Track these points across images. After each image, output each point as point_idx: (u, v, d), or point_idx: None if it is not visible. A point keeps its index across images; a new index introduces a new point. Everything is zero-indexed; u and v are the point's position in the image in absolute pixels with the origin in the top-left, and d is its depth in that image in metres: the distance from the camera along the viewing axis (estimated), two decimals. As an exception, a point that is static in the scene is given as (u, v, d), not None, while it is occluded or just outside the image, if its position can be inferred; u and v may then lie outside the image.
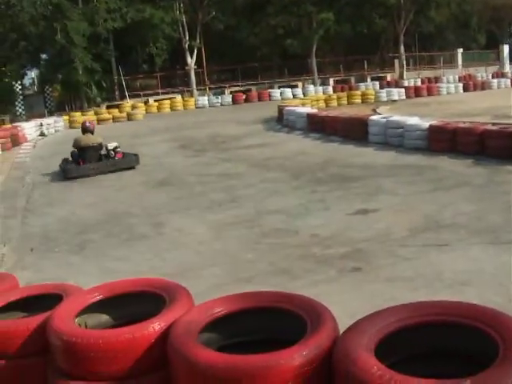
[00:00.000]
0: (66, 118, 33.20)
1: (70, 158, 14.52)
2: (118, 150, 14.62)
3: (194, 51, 44.42)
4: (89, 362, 2.87)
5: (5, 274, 4.53)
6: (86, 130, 14.77)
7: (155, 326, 2.93)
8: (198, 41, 44.38)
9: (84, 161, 14.17)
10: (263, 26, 47.05)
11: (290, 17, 45.98)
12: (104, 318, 3.59)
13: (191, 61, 44.47)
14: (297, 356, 2.47)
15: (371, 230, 7.53)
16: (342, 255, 6.61)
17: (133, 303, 3.55)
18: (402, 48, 46.77)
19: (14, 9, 38.96)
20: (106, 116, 34.05)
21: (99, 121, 32.17)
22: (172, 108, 38.32)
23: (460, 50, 54.02)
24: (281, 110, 24.05)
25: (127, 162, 14.54)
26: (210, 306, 3.08)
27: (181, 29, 43.61)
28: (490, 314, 2.71)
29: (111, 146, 14.65)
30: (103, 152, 14.62)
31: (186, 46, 43.95)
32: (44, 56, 46.05)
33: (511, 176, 10.43)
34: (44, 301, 3.80)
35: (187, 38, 43.79)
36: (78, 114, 34.91)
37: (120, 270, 6.46)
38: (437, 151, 13.08)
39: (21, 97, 43.93)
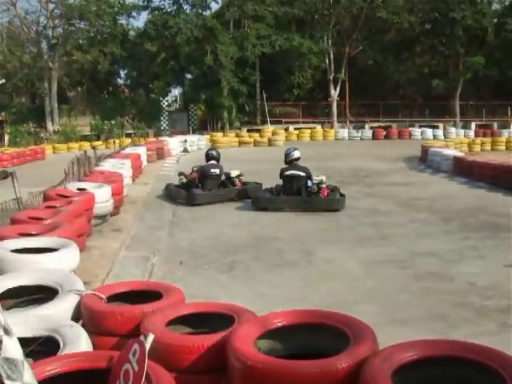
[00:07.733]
0: (208, 136, 34.10)
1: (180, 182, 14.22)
2: (241, 178, 14.27)
3: (338, 83, 44.56)
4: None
5: (172, 286, 4.49)
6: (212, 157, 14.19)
7: (343, 363, 2.80)
8: (343, 73, 44.40)
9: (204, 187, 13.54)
10: (409, 65, 46.65)
11: (438, 57, 45.39)
12: (276, 345, 3.49)
13: (334, 92, 44.68)
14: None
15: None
16: (502, 309, 6.21)
17: (310, 335, 3.45)
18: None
19: (171, 30, 40.72)
20: (247, 139, 34.80)
21: (240, 143, 33.26)
22: (312, 137, 38.51)
23: None
24: (425, 149, 23.63)
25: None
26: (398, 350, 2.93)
27: (327, 60, 43.91)
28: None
29: (234, 173, 14.32)
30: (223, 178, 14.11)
31: (331, 77, 44.20)
32: (188, 76, 47.77)
33: None
34: (213, 319, 3.77)
35: (333, 69, 44.01)
36: (219, 134, 35.98)
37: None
38: None
39: (166, 113, 45.71)
